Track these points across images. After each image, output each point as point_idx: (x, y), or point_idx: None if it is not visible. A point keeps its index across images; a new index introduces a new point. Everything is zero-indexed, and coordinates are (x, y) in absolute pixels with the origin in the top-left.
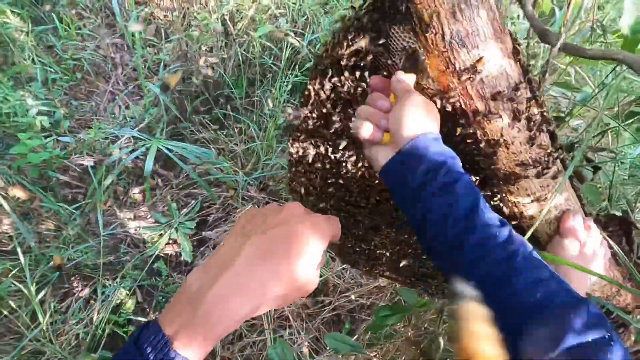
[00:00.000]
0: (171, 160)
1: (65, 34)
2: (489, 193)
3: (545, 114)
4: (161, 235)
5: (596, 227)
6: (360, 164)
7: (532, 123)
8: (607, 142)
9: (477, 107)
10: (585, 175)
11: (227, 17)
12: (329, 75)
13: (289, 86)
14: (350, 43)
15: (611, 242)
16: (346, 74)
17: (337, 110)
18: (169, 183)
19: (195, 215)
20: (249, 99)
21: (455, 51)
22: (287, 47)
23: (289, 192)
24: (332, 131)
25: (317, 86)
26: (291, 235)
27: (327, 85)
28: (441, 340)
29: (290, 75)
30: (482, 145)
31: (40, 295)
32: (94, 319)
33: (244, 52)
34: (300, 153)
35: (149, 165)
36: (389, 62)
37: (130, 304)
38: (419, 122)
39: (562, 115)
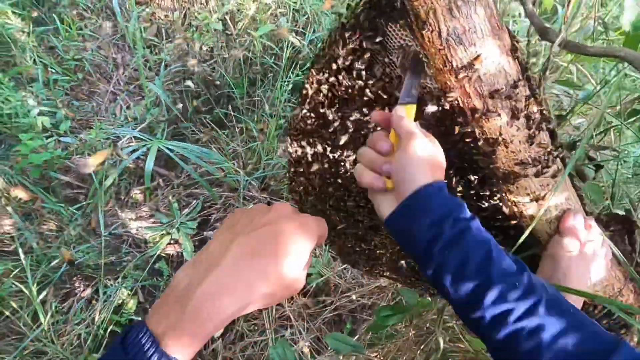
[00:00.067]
0: (172, 160)
1: (67, 35)
2: (488, 192)
3: (544, 112)
4: (162, 235)
5: (597, 227)
6: None
7: (531, 121)
8: (609, 141)
9: (475, 105)
10: (587, 174)
11: (227, 17)
12: (326, 75)
13: (290, 86)
14: (346, 41)
15: (611, 244)
16: (343, 73)
17: (334, 109)
18: (171, 183)
19: (197, 215)
20: (250, 99)
21: (452, 49)
22: (287, 46)
23: (289, 192)
24: (330, 130)
25: (314, 85)
26: (279, 235)
27: (325, 85)
28: (441, 340)
29: (291, 75)
30: (480, 143)
31: (41, 296)
32: (96, 319)
33: (244, 52)
34: (299, 153)
35: (149, 165)
36: (387, 60)
37: (131, 304)
38: (422, 171)
39: (564, 113)
